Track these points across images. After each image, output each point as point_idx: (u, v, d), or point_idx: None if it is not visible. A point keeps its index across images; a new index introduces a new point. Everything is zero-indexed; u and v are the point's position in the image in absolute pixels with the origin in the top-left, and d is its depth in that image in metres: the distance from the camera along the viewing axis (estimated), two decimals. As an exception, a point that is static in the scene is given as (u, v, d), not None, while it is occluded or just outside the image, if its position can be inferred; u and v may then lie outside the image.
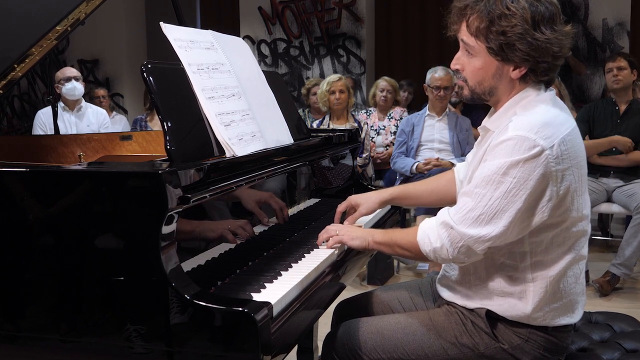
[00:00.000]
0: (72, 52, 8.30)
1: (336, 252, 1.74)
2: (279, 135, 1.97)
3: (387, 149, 5.39)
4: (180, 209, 1.31)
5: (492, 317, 1.61)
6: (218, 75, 1.74)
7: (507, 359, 1.61)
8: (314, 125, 5.07)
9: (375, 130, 5.50)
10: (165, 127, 1.50)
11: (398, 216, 2.39)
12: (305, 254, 1.71)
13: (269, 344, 1.22)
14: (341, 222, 1.95)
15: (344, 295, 1.87)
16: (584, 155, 1.56)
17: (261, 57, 7.95)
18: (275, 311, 1.31)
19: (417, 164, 4.52)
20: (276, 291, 1.39)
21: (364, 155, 4.85)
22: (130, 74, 8.30)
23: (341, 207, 1.98)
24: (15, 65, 1.97)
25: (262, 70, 2.05)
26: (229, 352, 1.22)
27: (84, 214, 1.33)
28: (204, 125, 1.63)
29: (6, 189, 1.38)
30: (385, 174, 5.28)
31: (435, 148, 4.65)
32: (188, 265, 1.40)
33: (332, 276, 1.63)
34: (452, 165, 4.42)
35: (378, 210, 2.09)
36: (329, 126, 4.87)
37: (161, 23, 1.66)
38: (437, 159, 4.53)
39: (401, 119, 5.34)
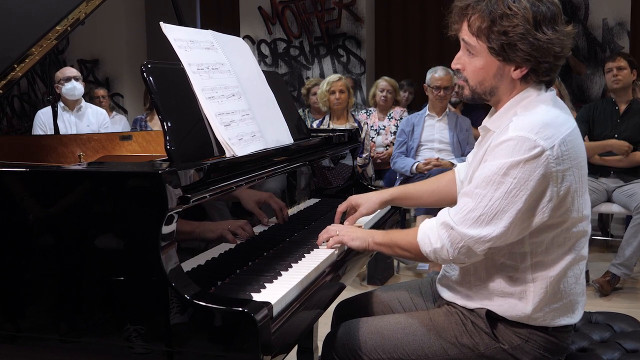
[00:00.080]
0: (72, 52, 8.31)
1: (336, 252, 1.74)
2: (279, 135, 1.97)
3: (387, 149, 5.39)
4: (180, 209, 1.31)
5: (492, 318, 1.61)
6: (218, 75, 1.74)
7: (507, 359, 1.60)
8: (314, 125, 5.07)
9: (375, 130, 5.50)
10: (165, 127, 1.50)
11: (398, 216, 2.39)
12: (305, 254, 1.71)
13: (269, 344, 1.22)
14: (341, 222, 1.95)
15: (344, 295, 1.87)
16: (585, 155, 1.56)
17: (261, 57, 7.95)
18: (275, 311, 1.30)
19: (417, 164, 4.52)
20: (276, 291, 1.39)
21: (364, 155, 4.85)
22: (130, 74, 8.30)
23: (341, 207, 1.98)
24: (15, 65, 1.97)
25: (262, 70, 2.05)
26: (229, 352, 1.22)
27: (84, 214, 1.33)
28: (204, 125, 1.63)
29: (6, 189, 1.38)
30: (385, 174, 5.28)
31: (435, 148, 4.65)
32: (188, 265, 1.40)
33: (332, 276, 1.63)
34: (452, 165, 4.42)
35: (378, 211, 2.09)
36: (329, 126, 4.87)
37: (161, 23, 1.66)
38: (437, 159, 4.53)
39: (401, 119, 5.34)
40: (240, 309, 1.20)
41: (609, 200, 4.29)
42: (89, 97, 6.22)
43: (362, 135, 4.79)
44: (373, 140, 5.43)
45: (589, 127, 4.35)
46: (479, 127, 1.68)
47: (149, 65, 1.55)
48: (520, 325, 1.59)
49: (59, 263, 1.34)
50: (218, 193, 1.45)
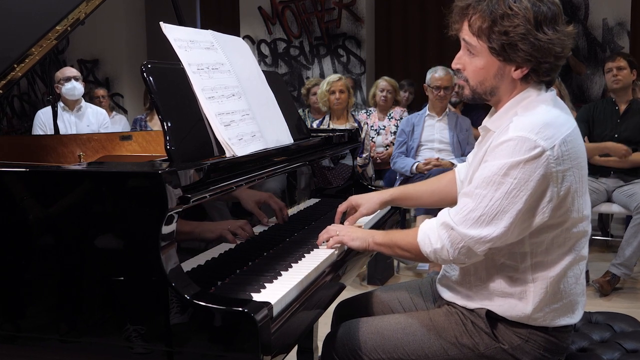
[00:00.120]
0: (72, 52, 8.31)
1: (336, 252, 1.74)
2: (279, 135, 1.97)
3: (387, 149, 5.39)
4: (180, 209, 1.31)
5: (492, 318, 1.61)
6: (218, 75, 1.74)
7: (507, 359, 1.60)
8: (314, 125, 5.07)
9: (375, 130, 5.50)
10: (165, 127, 1.50)
11: (398, 216, 2.39)
12: (305, 254, 1.71)
13: (269, 344, 1.22)
14: (341, 222, 1.95)
15: (344, 295, 1.87)
16: (585, 156, 1.56)
17: (261, 57, 7.95)
18: (275, 311, 1.30)
19: (417, 164, 4.52)
20: (276, 291, 1.39)
21: (364, 155, 4.85)
22: (130, 74, 8.30)
23: (342, 208, 1.98)
24: (15, 65, 1.97)
25: (262, 70, 2.05)
26: (229, 352, 1.22)
27: (84, 214, 1.33)
28: (204, 125, 1.63)
29: (6, 189, 1.38)
30: (385, 174, 5.28)
31: (435, 148, 4.65)
32: (188, 265, 1.40)
33: (332, 276, 1.63)
34: (452, 165, 4.42)
35: (378, 211, 2.09)
36: (329, 126, 4.87)
37: (161, 23, 1.66)
38: (437, 159, 4.52)
39: (401, 119, 5.34)
40: (240, 309, 1.20)
41: (609, 200, 4.29)
42: (89, 97, 6.22)
43: (362, 135, 4.79)
44: (373, 140, 5.43)
45: (589, 127, 4.35)
46: (479, 127, 1.68)
47: (149, 65, 1.55)
48: (520, 325, 1.59)
49: (59, 263, 1.34)
50: (218, 193, 1.45)
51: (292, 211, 2.00)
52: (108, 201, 1.31)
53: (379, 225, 2.16)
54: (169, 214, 1.27)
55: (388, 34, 7.93)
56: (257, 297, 1.36)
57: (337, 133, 2.45)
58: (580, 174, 1.52)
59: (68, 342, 1.34)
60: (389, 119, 5.54)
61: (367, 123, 5.21)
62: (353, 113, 5.28)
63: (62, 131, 3.86)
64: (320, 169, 2.30)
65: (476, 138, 1.83)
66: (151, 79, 1.53)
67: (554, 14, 1.49)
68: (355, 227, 1.85)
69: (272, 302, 1.29)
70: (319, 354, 1.93)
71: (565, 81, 6.08)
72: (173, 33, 1.67)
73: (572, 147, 1.48)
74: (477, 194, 1.49)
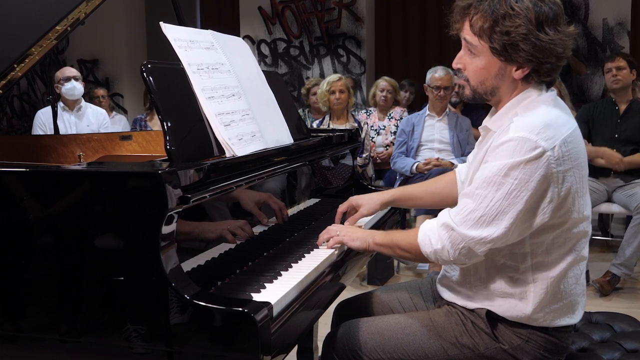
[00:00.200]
0: (72, 52, 8.31)
1: (336, 252, 1.74)
2: (279, 135, 1.97)
3: (387, 149, 5.39)
4: (180, 209, 1.31)
5: (492, 318, 1.61)
6: (218, 75, 1.74)
7: (507, 359, 1.60)
8: (314, 125, 5.07)
9: (375, 130, 5.50)
10: (165, 127, 1.50)
11: (398, 216, 2.39)
12: (305, 254, 1.71)
13: (269, 344, 1.22)
14: (342, 222, 1.95)
15: (344, 295, 1.87)
16: (585, 156, 1.55)
17: (261, 57, 7.95)
18: (275, 311, 1.30)
19: (417, 164, 4.52)
20: (276, 291, 1.39)
21: (364, 155, 4.85)
22: (130, 74, 8.30)
23: (342, 208, 1.98)
24: (15, 65, 1.97)
25: (262, 70, 2.05)
26: (229, 352, 1.22)
27: (84, 214, 1.32)
28: (203, 125, 1.62)
29: (6, 189, 1.38)
30: (385, 174, 5.28)
31: (436, 148, 4.65)
32: (188, 265, 1.40)
33: (332, 276, 1.63)
34: (452, 165, 4.42)
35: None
36: (329, 126, 4.87)
37: (161, 23, 1.65)
38: (437, 159, 4.52)
39: (401, 119, 5.34)
40: (240, 309, 1.20)
41: (609, 200, 4.29)
42: (89, 97, 6.22)
43: (362, 135, 4.79)
44: (373, 140, 5.43)
45: (589, 127, 4.35)
46: (479, 127, 1.68)
47: (149, 65, 1.55)
48: (521, 325, 1.59)
49: (59, 263, 1.34)
50: (218, 193, 1.45)
51: (292, 211, 1.99)
52: (108, 201, 1.31)
53: (379, 226, 2.16)
54: (169, 214, 1.27)
55: (388, 34, 7.93)
56: (257, 297, 1.36)
57: (337, 133, 2.45)
58: (580, 174, 1.52)
59: (68, 342, 1.34)
60: (389, 119, 5.54)
61: (367, 123, 5.21)
62: (353, 113, 5.28)
63: (62, 131, 3.86)
64: (320, 169, 2.30)
65: (476, 138, 1.83)
66: (151, 79, 1.53)
67: (556, 14, 1.49)
68: (355, 227, 1.85)
69: (272, 302, 1.29)
70: (319, 354, 1.93)
71: (566, 81, 6.08)
72: (173, 33, 1.67)
73: (572, 148, 1.48)
74: (477, 194, 1.49)
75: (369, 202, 1.96)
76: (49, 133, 4.28)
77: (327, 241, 1.76)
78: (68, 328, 1.34)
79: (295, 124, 2.19)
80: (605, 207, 4.31)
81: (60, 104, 4.89)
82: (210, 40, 1.82)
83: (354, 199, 1.98)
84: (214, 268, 1.50)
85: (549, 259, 1.56)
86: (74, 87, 4.82)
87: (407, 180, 4.53)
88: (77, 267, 1.33)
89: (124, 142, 2.61)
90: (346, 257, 1.77)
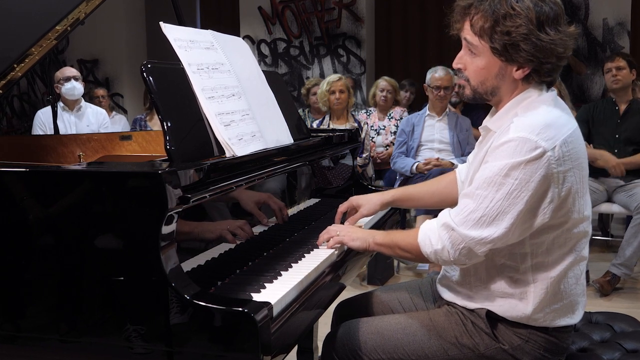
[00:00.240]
0: (71, 52, 8.31)
1: (336, 252, 1.74)
2: (279, 135, 1.96)
3: (387, 149, 5.39)
4: (180, 209, 1.31)
5: (492, 318, 1.61)
6: (218, 75, 1.74)
7: (507, 359, 1.60)
8: (314, 125, 5.07)
9: (375, 130, 5.50)
10: (165, 127, 1.50)
11: (398, 216, 2.39)
12: (305, 254, 1.71)
13: (269, 344, 1.22)
14: (342, 222, 1.95)
15: (344, 295, 1.87)
16: (586, 156, 1.55)
17: (261, 57, 7.95)
18: (275, 311, 1.30)
19: (417, 164, 4.52)
20: (276, 291, 1.39)
21: (364, 155, 4.85)
22: (130, 74, 8.30)
23: (342, 208, 1.98)
24: (15, 65, 1.97)
25: (262, 70, 2.05)
26: (229, 352, 1.22)
27: (84, 214, 1.32)
28: (203, 125, 1.62)
29: (6, 189, 1.38)
30: (385, 174, 5.28)
31: (436, 148, 4.65)
32: (188, 265, 1.40)
33: (332, 276, 1.63)
34: (452, 165, 4.42)
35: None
36: (329, 126, 4.87)
37: (161, 23, 1.65)
38: (437, 159, 4.52)
39: (401, 119, 5.34)
40: (240, 309, 1.20)
41: (609, 200, 4.29)
42: (89, 97, 6.22)
43: (362, 135, 4.79)
44: (373, 140, 5.43)
45: (589, 127, 4.35)
46: (479, 127, 1.68)
47: (149, 65, 1.55)
48: (521, 325, 1.59)
49: (59, 263, 1.34)
50: (218, 193, 1.45)
51: (292, 211, 1.99)
52: (108, 201, 1.31)
53: (379, 226, 2.16)
54: (169, 214, 1.27)
55: (388, 34, 7.92)
56: (257, 297, 1.36)
57: (337, 133, 2.45)
58: (581, 175, 1.52)
59: (68, 342, 1.34)
60: (389, 119, 5.54)
61: (367, 123, 5.21)
62: (353, 113, 5.28)
63: (62, 131, 3.86)
64: (320, 169, 2.30)
65: (476, 138, 1.83)
66: (151, 79, 1.53)
67: (556, 14, 1.49)
68: (355, 227, 1.85)
69: (272, 302, 1.29)
70: (319, 354, 1.93)
71: (566, 81, 6.08)
72: (173, 33, 1.67)
73: (573, 148, 1.48)
74: (477, 194, 1.49)
75: (369, 202, 1.96)
76: (48, 133, 4.28)
77: (327, 241, 1.76)
78: (68, 328, 1.34)
79: (295, 124, 2.19)
80: (605, 207, 4.31)
81: (60, 104, 4.89)
82: (210, 40, 1.82)
83: (354, 199, 1.98)
84: (214, 268, 1.50)
85: (549, 259, 1.56)
86: (74, 87, 4.82)
87: (407, 180, 4.53)
88: (77, 267, 1.33)
89: (124, 142, 2.61)
90: (346, 257, 1.77)
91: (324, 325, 2.06)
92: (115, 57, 8.34)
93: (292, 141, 2.02)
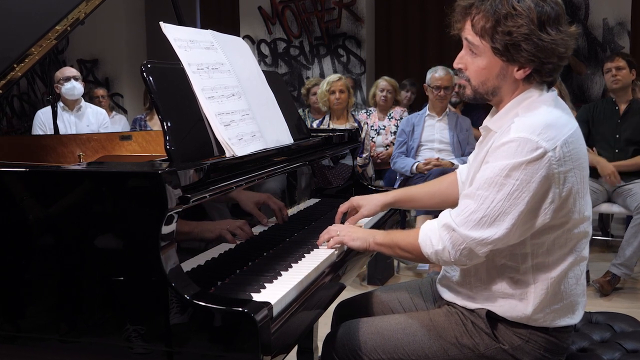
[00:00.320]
0: (71, 51, 8.30)
1: (336, 252, 1.74)
2: (279, 135, 1.96)
3: (387, 149, 5.38)
4: (180, 209, 1.31)
5: (492, 318, 1.61)
6: (218, 75, 1.74)
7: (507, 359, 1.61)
8: (314, 125, 5.07)
9: (376, 130, 5.50)
10: (165, 127, 1.49)
11: (398, 216, 2.39)
12: (305, 254, 1.71)
13: (269, 344, 1.22)
14: (342, 222, 1.95)
15: (344, 295, 1.87)
16: (586, 156, 1.55)
17: (261, 57, 7.95)
18: (275, 311, 1.30)
19: (417, 164, 4.52)
20: (276, 291, 1.39)
21: (364, 155, 4.85)
22: (130, 74, 8.30)
23: (343, 208, 1.98)
24: (15, 65, 1.97)
25: (262, 70, 2.05)
26: (229, 353, 1.22)
27: (83, 214, 1.32)
28: (203, 125, 1.62)
29: (6, 189, 1.38)
30: (385, 174, 5.28)
31: (436, 148, 4.65)
32: (188, 265, 1.40)
33: (332, 276, 1.63)
34: (452, 165, 4.42)
35: (379, 212, 2.09)
36: (329, 126, 4.87)
37: (161, 23, 1.65)
38: (437, 159, 4.52)
39: (401, 119, 5.34)
40: (240, 309, 1.20)
41: (609, 200, 4.29)
42: (89, 97, 6.22)
43: (362, 135, 4.79)
44: (373, 140, 5.43)
45: (589, 127, 4.34)
46: (480, 127, 1.67)
47: (149, 65, 1.54)
48: (521, 325, 1.59)
49: (59, 263, 1.34)
50: (218, 193, 1.45)
51: (292, 211, 1.99)
52: (108, 201, 1.31)
53: (379, 226, 2.16)
54: (169, 214, 1.27)
55: (388, 34, 7.92)
56: (257, 297, 1.36)
57: (337, 133, 2.45)
58: (581, 175, 1.52)
59: (68, 342, 1.34)
60: (389, 119, 5.54)
61: (367, 123, 5.20)
62: (353, 113, 5.28)
63: (61, 131, 3.86)
64: (320, 169, 2.30)
65: (476, 138, 1.83)
66: (151, 78, 1.53)
67: (557, 14, 1.49)
68: (356, 227, 1.85)
69: (272, 302, 1.29)
70: (319, 354, 1.93)
71: (566, 81, 6.08)
72: (173, 33, 1.67)
73: (573, 148, 1.48)
74: (478, 195, 1.49)
75: (370, 203, 1.96)
76: (48, 133, 4.28)
77: (328, 241, 1.76)
78: (68, 328, 1.34)
79: (295, 124, 2.18)
80: (605, 207, 4.31)
81: (60, 104, 4.89)
82: (210, 40, 1.82)
83: (355, 200, 1.98)
84: (214, 268, 1.50)
85: (549, 260, 1.56)
86: (74, 87, 4.82)
87: (407, 180, 4.53)
88: (77, 267, 1.33)
89: (124, 142, 2.61)
90: (346, 257, 1.77)
91: (324, 325, 2.06)
92: (115, 57, 8.34)
93: (292, 141, 2.02)
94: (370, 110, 5.67)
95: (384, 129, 5.49)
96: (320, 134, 2.35)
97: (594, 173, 4.19)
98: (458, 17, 1.59)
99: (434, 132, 4.67)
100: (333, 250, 1.73)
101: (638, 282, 4.26)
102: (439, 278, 1.80)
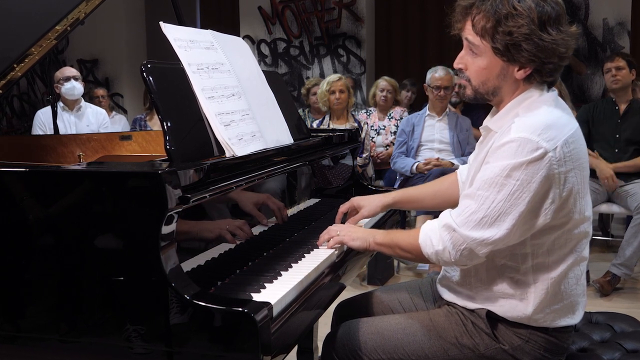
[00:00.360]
0: (71, 51, 8.30)
1: (336, 252, 1.74)
2: (279, 135, 1.96)
3: (387, 149, 5.38)
4: (180, 209, 1.31)
5: (492, 318, 1.61)
6: (218, 75, 1.74)
7: (507, 360, 1.60)
8: (314, 125, 5.07)
9: (376, 130, 5.50)
10: (165, 127, 1.49)
11: (398, 216, 2.39)
12: (305, 254, 1.70)
13: (269, 344, 1.22)
14: (342, 222, 1.95)
15: (344, 295, 1.87)
16: (587, 157, 1.55)
17: (261, 57, 7.95)
18: (275, 311, 1.30)
19: (417, 164, 4.52)
20: (276, 291, 1.39)
21: (364, 155, 4.85)
22: (130, 74, 8.30)
23: (343, 208, 1.98)
24: (15, 65, 1.97)
25: (262, 70, 2.05)
26: (229, 353, 1.22)
27: (83, 214, 1.32)
28: (203, 125, 1.62)
29: (6, 189, 1.38)
30: (385, 174, 5.28)
31: (436, 148, 4.65)
32: (188, 265, 1.40)
33: (332, 276, 1.63)
34: (452, 165, 4.42)
35: (379, 212, 2.09)
36: (329, 126, 4.87)
37: (161, 23, 1.65)
38: (437, 159, 4.52)
39: (401, 119, 5.34)
40: (240, 309, 1.20)
41: (610, 200, 4.29)
42: (89, 97, 6.22)
43: (362, 135, 4.79)
44: (373, 140, 5.43)
45: (589, 127, 4.34)
46: (480, 127, 1.67)
47: (149, 65, 1.54)
48: (521, 325, 1.59)
49: (59, 263, 1.34)
50: (218, 193, 1.45)
51: (292, 211, 1.99)
52: (108, 201, 1.31)
53: (379, 226, 2.16)
54: (169, 214, 1.27)
55: (388, 34, 7.92)
56: (257, 297, 1.36)
57: (337, 133, 2.45)
58: (582, 175, 1.52)
59: (68, 342, 1.34)
60: (389, 119, 5.54)
61: (367, 123, 5.20)
62: (353, 113, 5.28)
63: (61, 131, 3.86)
64: (320, 169, 2.30)
65: (476, 138, 1.83)
66: (151, 78, 1.53)
67: (558, 14, 1.49)
68: (356, 227, 1.84)
69: (272, 302, 1.29)
70: (319, 354, 1.93)
71: (566, 81, 6.08)
72: (173, 33, 1.67)
73: (574, 149, 1.48)
74: (479, 195, 1.49)
75: (371, 203, 1.96)
76: (48, 133, 4.28)
77: (328, 241, 1.76)
78: (68, 328, 1.34)
79: (295, 124, 2.18)
80: (605, 207, 4.31)
81: (60, 104, 4.88)
82: (210, 40, 1.82)
83: (356, 200, 1.98)
84: (214, 268, 1.50)
85: (549, 260, 1.55)
86: (74, 87, 4.82)
87: (407, 180, 4.53)
88: (77, 267, 1.33)
89: (124, 142, 2.61)
90: (346, 257, 1.77)
91: (324, 325, 2.06)
92: (115, 57, 8.34)
93: (292, 141, 2.02)
94: (370, 110, 5.67)
95: (384, 129, 5.49)
96: (320, 134, 2.35)
97: (594, 173, 4.19)
98: (458, 17, 1.58)
99: (434, 132, 4.67)
100: (333, 250, 1.73)
101: (638, 282, 4.26)
102: (439, 278, 1.80)
